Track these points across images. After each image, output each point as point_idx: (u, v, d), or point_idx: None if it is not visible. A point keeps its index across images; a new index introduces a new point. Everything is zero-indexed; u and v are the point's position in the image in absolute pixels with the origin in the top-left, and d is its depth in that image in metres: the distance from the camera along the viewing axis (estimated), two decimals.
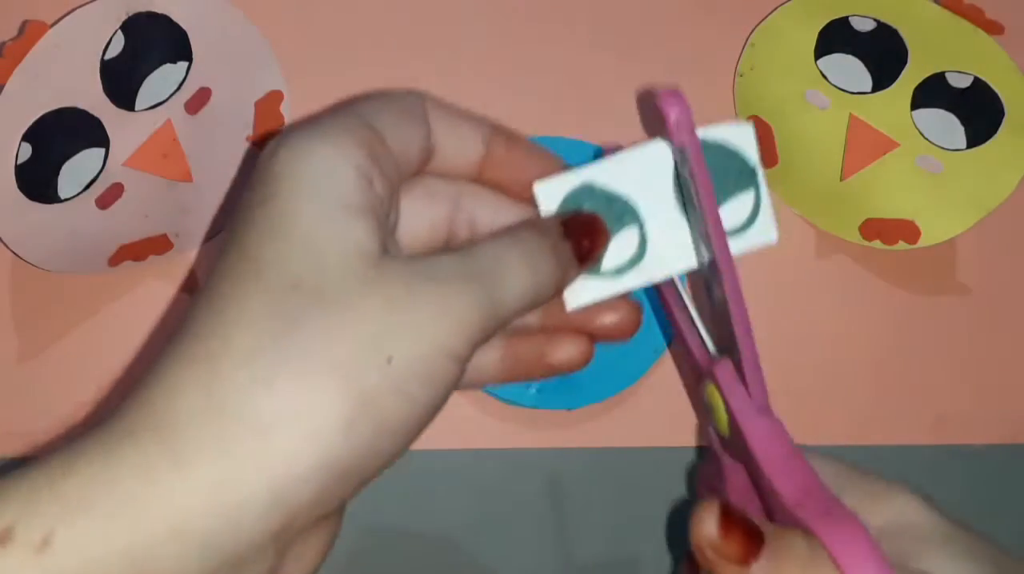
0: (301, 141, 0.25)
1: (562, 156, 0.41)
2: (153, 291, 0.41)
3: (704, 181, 0.28)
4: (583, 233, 0.28)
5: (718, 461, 0.32)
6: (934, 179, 0.41)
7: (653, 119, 0.43)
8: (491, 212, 0.30)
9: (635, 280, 0.30)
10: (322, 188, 0.24)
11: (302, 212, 0.24)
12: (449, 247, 0.30)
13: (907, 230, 0.41)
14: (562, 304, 0.30)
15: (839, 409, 0.42)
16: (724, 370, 0.30)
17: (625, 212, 0.30)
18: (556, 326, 0.31)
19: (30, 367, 0.40)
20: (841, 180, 0.42)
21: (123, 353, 0.41)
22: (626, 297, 0.31)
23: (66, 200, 0.37)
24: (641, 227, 0.30)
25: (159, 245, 0.40)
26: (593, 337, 0.31)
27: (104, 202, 0.38)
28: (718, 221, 0.28)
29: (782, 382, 0.42)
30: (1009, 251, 0.43)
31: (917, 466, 0.42)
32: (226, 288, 0.23)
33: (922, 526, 0.29)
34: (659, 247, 0.30)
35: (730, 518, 0.25)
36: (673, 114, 0.27)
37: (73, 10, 0.35)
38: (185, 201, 0.40)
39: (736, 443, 0.30)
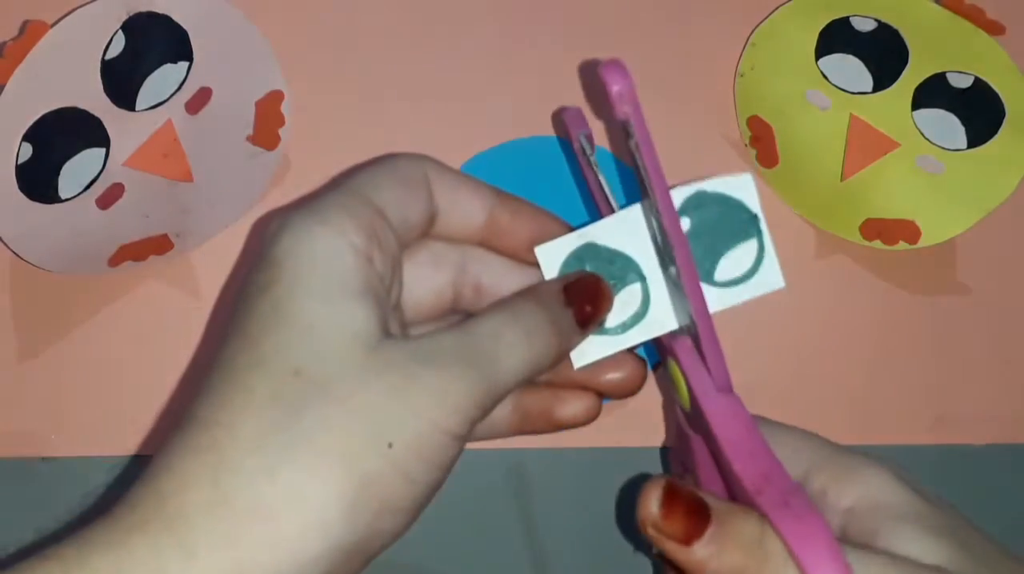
0: (302, 225, 0.25)
1: (562, 156, 0.41)
2: (153, 291, 0.41)
3: (649, 152, 0.28)
4: (584, 298, 0.29)
5: (686, 436, 0.32)
6: (934, 179, 0.41)
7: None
8: (496, 275, 0.30)
9: (640, 336, 0.31)
10: (322, 274, 0.25)
11: (303, 300, 0.24)
12: (455, 309, 0.30)
13: (907, 230, 0.41)
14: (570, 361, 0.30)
15: (839, 409, 0.42)
16: (683, 347, 0.30)
17: (628, 269, 0.31)
18: (564, 382, 0.31)
19: (30, 367, 0.40)
20: (841, 180, 0.42)
21: (123, 353, 0.41)
22: (631, 352, 0.31)
23: (66, 200, 0.37)
24: (644, 282, 0.31)
25: (159, 245, 0.40)
26: (600, 393, 0.32)
27: (104, 202, 0.38)
28: (665, 192, 0.28)
29: (782, 382, 0.42)
30: (1009, 251, 0.43)
31: (917, 466, 0.42)
32: (228, 374, 0.24)
33: (893, 503, 0.28)
34: (662, 301, 0.31)
35: (674, 496, 0.25)
36: (615, 86, 0.27)
37: (74, 10, 0.35)
38: (185, 201, 0.40)
39: (698, 420, 0.30)
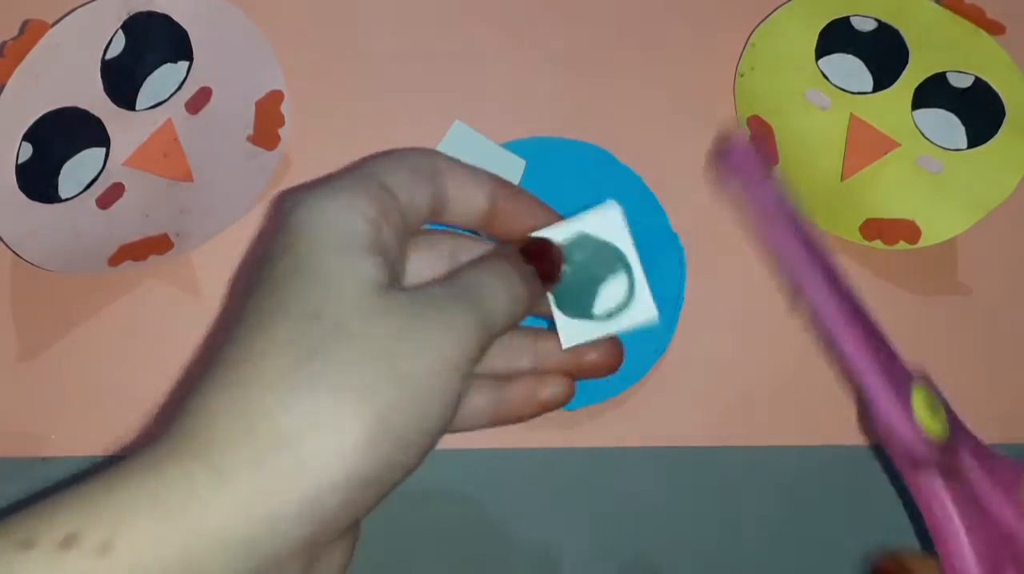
0: (317, 199, 0.28)
1: (565, 157, 0.41)
2: (153, 291, 0.41)
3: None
4: (539, 257, 0.32)
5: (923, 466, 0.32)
6: (935, 179, 0.41)
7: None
8: None
9: (625, 323, 0.33)
10: (336, 234, 0.27)
11: (319, 254, 0.27)
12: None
13: (908, 230, 0.41)
14: (551, 349, 0.33)
15: (840, 408, 0.42)
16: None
17: (616, 259, 0.33)
18: (545, 368, 0.34)
19: (30, 367, 0.40)
20: (842, 180, 0.42)
21: (123, 353, 0.41)
22: (611, 337, 0.34)
23: (67, 200, 0.37)
24: (630, 274, 0.33)
25: (160, 245, 0.40)
26: (578, 375, 0.34)
27: (105, 202, 0.38)
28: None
29: (783, 381, 0.42)
30: (1009, 251, 0.43)
31: None
32: (255, 320, 0.26)
33: None
34: (645, 293, 0.33)
35: None
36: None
37: (74, 9, 0.35)
38: (186, 201, 0.40)
39: (954, 454, 0.30)
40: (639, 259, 0.33)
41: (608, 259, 0.33)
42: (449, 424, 0.27)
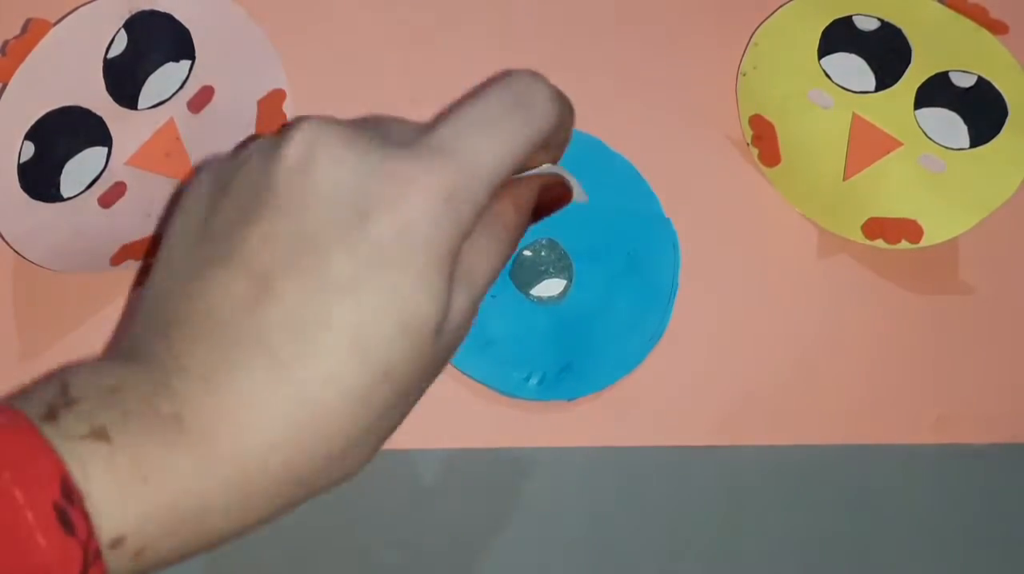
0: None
1: (568, 151, 0.41)
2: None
3: None
4: (551, 195, 0.32)
5: None
6: (937, 178, 0.41)
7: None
8: None
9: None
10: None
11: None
12: None
13: (910, 229, 0.41)
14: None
15: (840, 408, 0.42)
16: None
17: None
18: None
19: (31, 366, 0.40)
20: (844, 179, 0.42)
21: None
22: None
23: (68, 199, 0.37)
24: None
25: None
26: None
27: (107, 201, 0.38)
28: None
29: (783, 381, 0.42)
30: (1012, 251, 0.43)
31: (917, 466, 0.42)
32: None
33: None
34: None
35: None
36: None
37: (76, 8, 0.35)
38: None
39: None
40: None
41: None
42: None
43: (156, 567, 0.24)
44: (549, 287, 0.41)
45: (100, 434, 0.23)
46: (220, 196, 0.27)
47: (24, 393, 0.25)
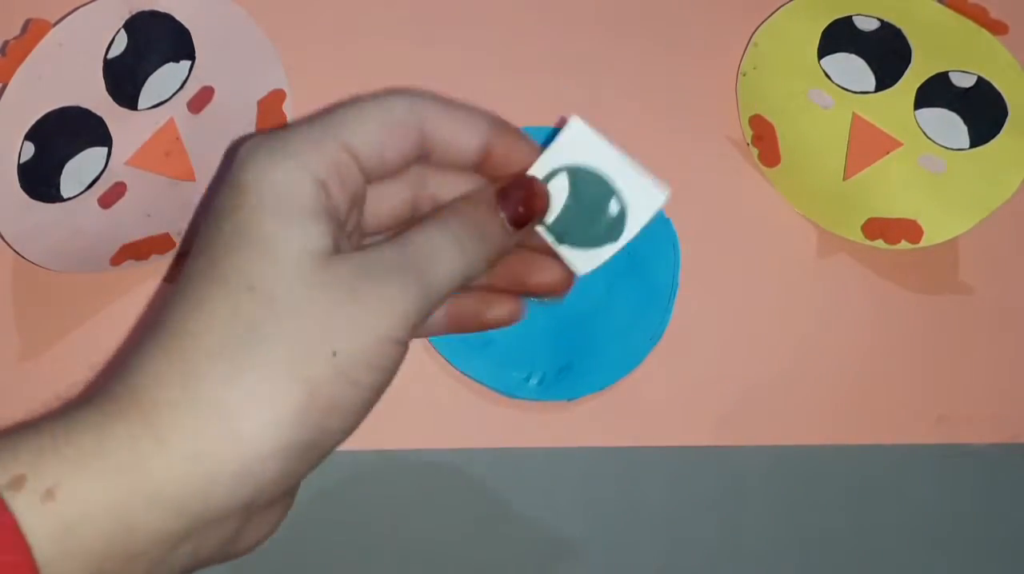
0: (269, 155, 0.28)
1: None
2: (155, 290, 0.41)
3: None
4: (517, 201, 0.31)
5: None
6: (937, 179, 0.41)
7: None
8: (453, 189, 0.32)
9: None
10: (281, 198, 0.27)
11: (261, 221, 0.27)
12: (412, 219, 0.32)
13: (909, 229, 0.41)
14: (504, 265, 0.32)
15: (840, 408, 0.42)
16: None
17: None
18: (495, 285, 0.33)
19: (31, 366, 0.40)
20: (844, 179, 0.42)
21: (124, 352, 0.41)
22: (558, 260, 0.33)
23: (68, 199, 0.37)
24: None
25: (161, 244, 0.40)
26: (527, 294, 0.34)
27: (106, 201, 0.38)
28: None
29: (784, 381, 0.42)
30: (1011, 251, 0.44)
31: (917, 466, 0.42)
32: (196, 292, 0.27)
33: None
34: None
35: None
36: None
37: (76, 9, 0.35)
38: (188, 200, 0.40)
39: None
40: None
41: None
42: (386, 387, 0.28)
43: (94, 523, 0.24)
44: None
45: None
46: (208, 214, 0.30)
47: None
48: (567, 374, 0.41)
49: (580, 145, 0.32)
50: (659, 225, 0.42)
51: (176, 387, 0.26)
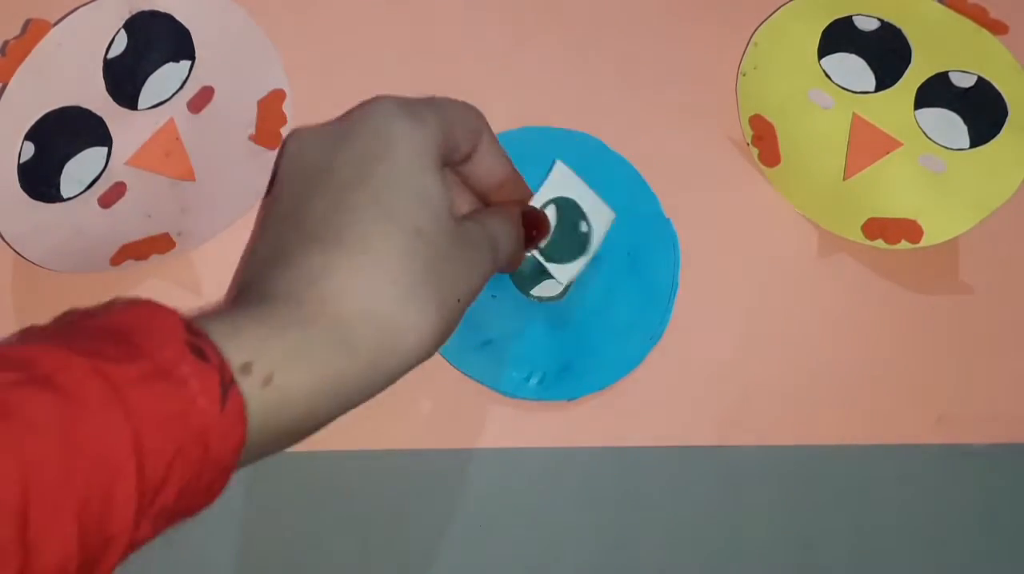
0: (409, 116, 0.33)
1: (556, 145, 0.43)
2: (155, 290, 0.41)
3: None
4: (531, 224, 0.39)
5: None
6: (937, 179, 0.41)
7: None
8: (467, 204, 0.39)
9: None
10: (426, 158, 0.32)
11: (420, 175, 0.32)
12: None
13: (910, 229, 0.41)
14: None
15: (840, 408, 0.42)
16: None
17: (574, 208, 0.40)
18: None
19: None
20: (844, 179, 0.42)
21: None
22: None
23: (68, 199, 0.37)
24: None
25: (161, 244, 0.40)
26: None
27: (106, 201, 0.38)
28: None
29: (783, 381, 0.42)
30: (1011, 251, 0.43)
31: (917, 466, 0.42)
32: (363, 221, 0.31)
33: None
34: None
35: None
36: None
37: (76, 9, 0.35)
38: (188, 200, 0.40)
39: None
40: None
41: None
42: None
43: (290, 408, 0.29)
44: (549, 287, 0.41)
45: (219, 310, 0.29)
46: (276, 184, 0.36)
47: None
48: (567, 374, 0.41)
49: (563, 182, 0.40)
50: (660, 225, 0.42)
51: (363, 299, 0.30)
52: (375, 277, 0.31)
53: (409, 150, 0.32)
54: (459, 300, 0.32)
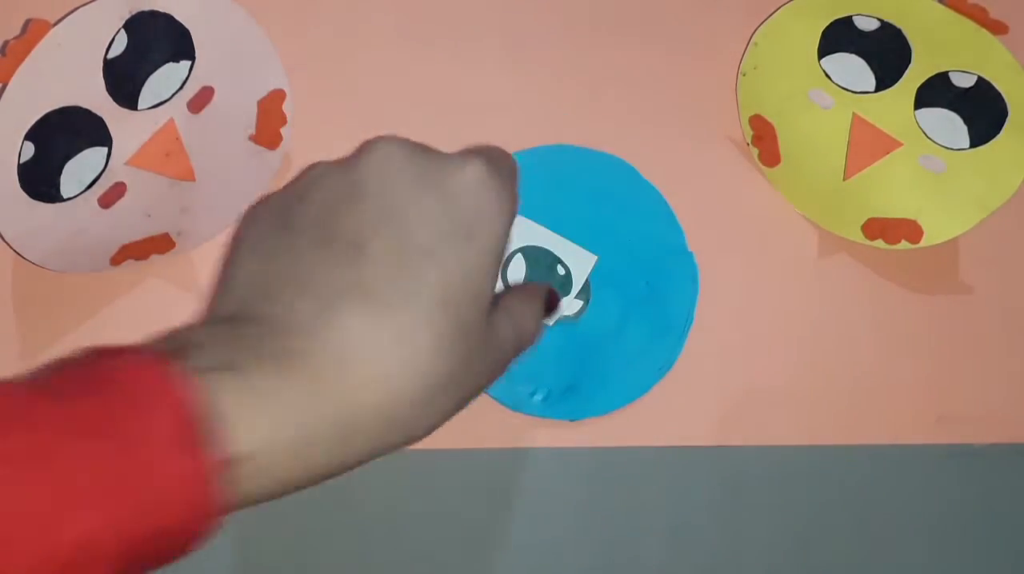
0: (492, 179, 0.30)
1: (586, 167, 0.43)
2: (155, 290, 0.41)
3: None
4: (553, 299, 0.36)
5: None
6: (937, 179, 0.41)
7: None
8: None
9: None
10: (505, 238, 0.30)
11: (493, 263, 0.29)
12: None
13: (910, 229, 0.41)
14: None
15: (840, 408, 0.42)
16: None
17: (543, 253, 0.42)
18: None
19: (32, 366, 0.40)
20: (844, 179, 0.42)
21: None
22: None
23: (68, 199, 0.37)
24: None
25: (161, 244, 0.40)
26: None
27: (106, 201, 0.38)
28: None
29: (784, 381, 0.42)
30: (1011, 251, 0.43)
31: (917, 466, 0.42)
32: (428, 316, 0.28)
33: None
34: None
35: None
36: None
37: (76, 9, 0.35)
38: (187, 200, 0.40)
39: None
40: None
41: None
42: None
43: (257, 496, 0.26)
44: (566, 306, 0.42)
45: (228, 366, 0.25)
46: (296, 204, 0.29)
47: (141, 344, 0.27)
48: (572, 395, 0.41)
49: (522, 231, 0.41)
50: (682, 258, 0.42)
51: (383, 393, 0.27)
52: (404, 377, 0.27)
53: (493, 234, 0.29)
54: (467, 405, 0.30)
